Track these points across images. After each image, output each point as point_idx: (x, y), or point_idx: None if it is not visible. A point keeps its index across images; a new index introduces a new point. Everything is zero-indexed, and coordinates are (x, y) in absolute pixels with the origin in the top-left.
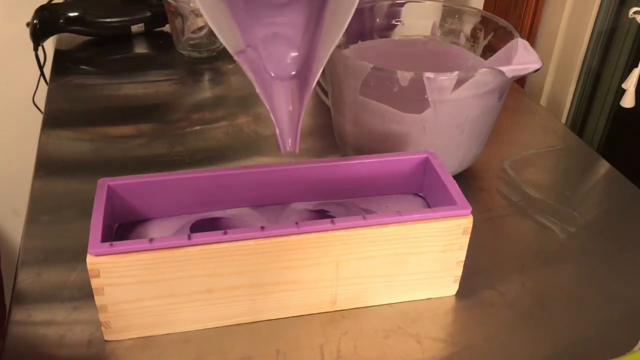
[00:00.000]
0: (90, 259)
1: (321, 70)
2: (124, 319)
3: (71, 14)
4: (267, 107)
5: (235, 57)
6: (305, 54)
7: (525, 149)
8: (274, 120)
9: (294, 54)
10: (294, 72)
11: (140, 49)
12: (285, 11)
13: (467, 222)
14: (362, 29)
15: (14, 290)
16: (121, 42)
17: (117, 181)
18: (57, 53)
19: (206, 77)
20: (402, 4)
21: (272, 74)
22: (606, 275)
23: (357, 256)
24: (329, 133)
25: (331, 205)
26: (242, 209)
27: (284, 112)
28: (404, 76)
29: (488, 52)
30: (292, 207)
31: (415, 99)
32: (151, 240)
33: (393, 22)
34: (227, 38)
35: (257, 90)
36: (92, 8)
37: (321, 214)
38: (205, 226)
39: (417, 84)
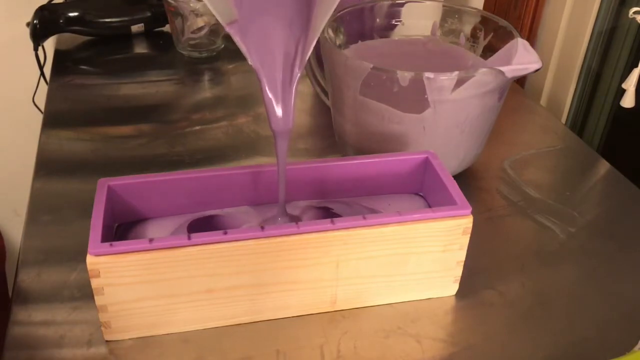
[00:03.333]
0: (90, 259)
1: (318, 34)
2: (124, 319)
3: (71, 14)
4: (261, 79)
5: (227, 28)
6: (301, 22)
7: (525, 149)
8: (268, 95)
9: (288, 23)
10: (289, 43)
11: (140, 49)
12: None
13: (467, 222)
14: (362, 29)
15: (14, 290)
16: (121, 42)
17: (117, 181)
18: (57, 53)
19: (206, 77)
20: (402, 4)
21: (266, 45)
22: (606, 275)
23: (357, 256)
24: (329, 133)
25: (334, 203)
26: (240, 207)
27: (278, 86)
28: (404, 76)
29: (488, 52)
30: (294, 203)
31: (415, 99)
32: (151, 240)
33: (393, 22)
34: (218, 7)
35: (250, 62)
36: (92, 8)
37: (324, 211)
38: (201, 225)
39: (417, 84)
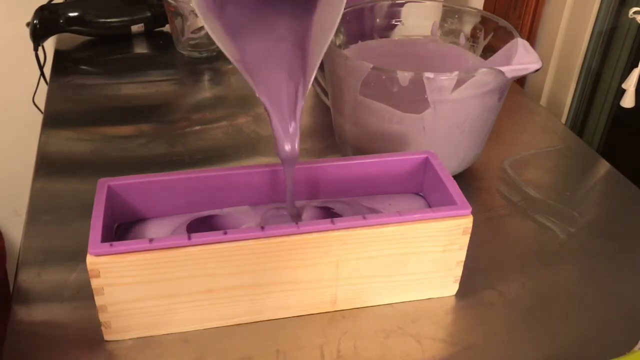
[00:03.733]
0: (90, 259)
1: (316, 69)
2: (124, 319)
3: (71, 14)
4: (269, 111)
5: (235, 64)
6: (300, 56)
7: (525, 149)
8: (275, 125)
9: (288, 55)
10: (290, 75)
11: (140, 49)
12: (274, 22)
13: (467, 222)
14: (362, 29)
15: (14, 290)
16: (121, 42)
17: (117, 181)
18: (57, 53)
19: (206, 77)
20: (402, 4)
21: (270, 78)
22: (606, 275)
23: (357, 256)
24: (329, 133)
25: (335, 203)
26: (239, 207)
27: (285, 114)
28: (404, 76)
29: (488, 52)
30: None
31: (415, 99)
32: (151, 240)
33: (393, 22)
34: (228, 47)
35: (257, 94)
36: (92, 8)
37: (325, 211)
38: (201, 225)
39: (417, 84)
